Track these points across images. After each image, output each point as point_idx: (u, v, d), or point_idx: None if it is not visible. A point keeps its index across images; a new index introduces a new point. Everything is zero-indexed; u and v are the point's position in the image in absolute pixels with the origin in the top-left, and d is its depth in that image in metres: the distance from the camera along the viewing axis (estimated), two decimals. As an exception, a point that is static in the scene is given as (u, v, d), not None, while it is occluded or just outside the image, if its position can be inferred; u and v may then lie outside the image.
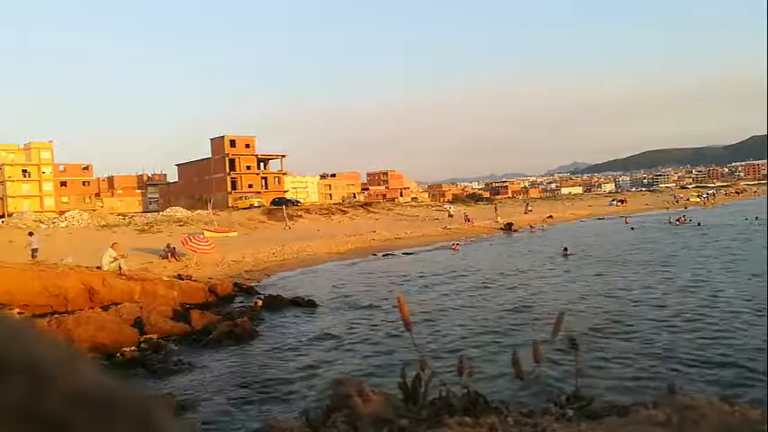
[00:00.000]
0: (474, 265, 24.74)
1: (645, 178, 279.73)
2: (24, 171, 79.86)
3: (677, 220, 43.92)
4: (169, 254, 26.03)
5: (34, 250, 22.85)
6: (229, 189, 73.94)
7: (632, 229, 41.27)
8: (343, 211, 58.56)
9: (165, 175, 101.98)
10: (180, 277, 18.75)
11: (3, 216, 54.54)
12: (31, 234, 24.72)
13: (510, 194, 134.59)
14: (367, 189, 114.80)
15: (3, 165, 77.94)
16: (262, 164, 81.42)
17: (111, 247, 18.59)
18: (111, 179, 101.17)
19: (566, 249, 27.29)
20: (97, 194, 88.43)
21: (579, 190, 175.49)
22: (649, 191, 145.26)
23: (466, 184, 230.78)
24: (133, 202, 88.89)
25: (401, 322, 1.77)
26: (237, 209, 57.15)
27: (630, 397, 7.16)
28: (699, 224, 41.15)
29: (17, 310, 12.84)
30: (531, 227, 45.16)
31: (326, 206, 63.26)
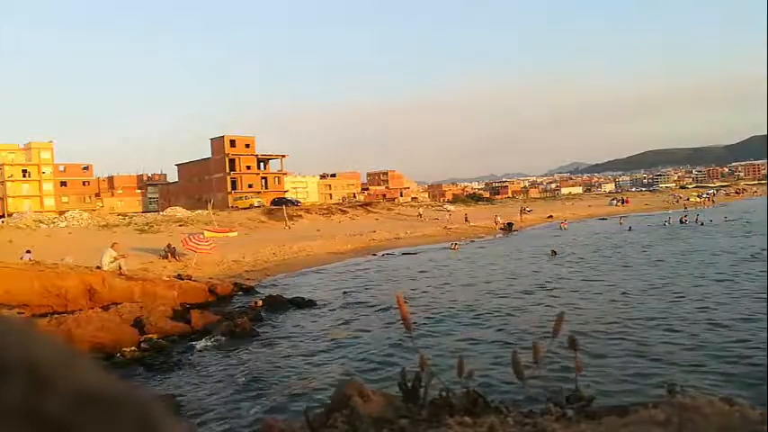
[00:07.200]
0: (474, 265, 24.75)
1: (645, 178, 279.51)
2: (24, 171, 79.83)
3: (680, 221, 44.27)
4: (169, 254, 26.04)
5: None
6: (229, 189, 73.95)
7: (629, 229, 41.40)
8: (343, 211, 58.56)
9: (165, 175, 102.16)
10: (180, 277, 18.74)
11: (3, 216, 54.56)
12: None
13: (510, 194, 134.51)
14: (367, 189, 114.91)
15: (3, 165, 77.94)
16: (262, 164, 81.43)
17: (111, 247, 18.60)
18: (111, 179, 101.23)
19: (553, 252, 27.48)
20: (97, 194, 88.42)
21: (579, 190, 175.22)
22: (649, 191, 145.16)
23: (466, 183, 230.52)
24: (133, 202, 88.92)
25: (401, 322, 1.77)
26: (237, 209, 57.17)
27: (630, 397, 7.16)
28: (702, 224, 41.47)
29: (17, 310, 12.84)
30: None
31: (326, 206, 63.26)
